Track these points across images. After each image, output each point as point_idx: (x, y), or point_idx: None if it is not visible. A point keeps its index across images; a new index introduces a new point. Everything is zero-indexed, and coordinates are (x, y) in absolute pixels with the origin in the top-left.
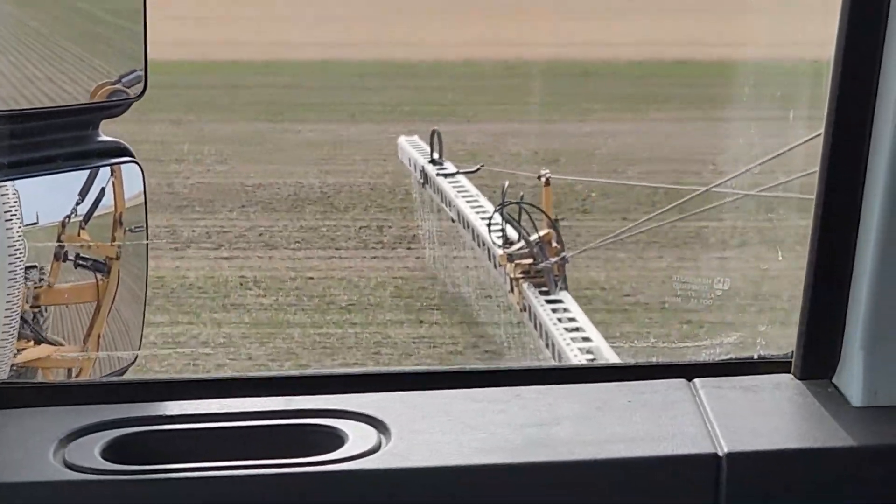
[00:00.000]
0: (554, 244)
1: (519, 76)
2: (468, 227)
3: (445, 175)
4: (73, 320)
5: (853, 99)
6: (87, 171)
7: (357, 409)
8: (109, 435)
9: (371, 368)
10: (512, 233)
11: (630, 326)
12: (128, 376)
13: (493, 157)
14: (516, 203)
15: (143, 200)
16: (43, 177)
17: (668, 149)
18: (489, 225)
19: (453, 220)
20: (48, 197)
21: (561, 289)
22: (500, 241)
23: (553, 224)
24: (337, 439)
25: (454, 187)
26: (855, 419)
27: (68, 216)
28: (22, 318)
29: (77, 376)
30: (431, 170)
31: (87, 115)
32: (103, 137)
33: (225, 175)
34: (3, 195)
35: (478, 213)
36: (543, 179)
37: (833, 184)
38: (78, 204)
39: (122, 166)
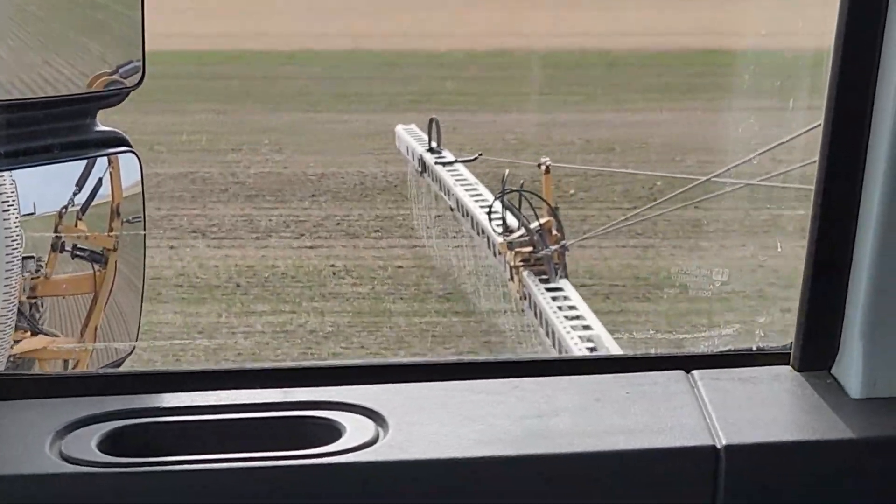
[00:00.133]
0: (554, 232)
1: (548, 66)
2: (467, 215)
3: (444, 164)
4: (71, 312)
5: (853, 88)
6: (85, 162)
7: (355, 402)
8: (106, 427)
9: (369, 360)
10: (512, 221)
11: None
12: (125, 368)
13: (546, 147)
14: (516, 191)
15: (140, 191)
16: (40, 167)
17: (717, 138)
18: (489, 213)
19: (452, 209)
20: (45, 187)
21: (561, 277)
22: (499, 230)
23: (553, 212)
24: (335, 431)
25: (453, 175)
26: (853, 410)
27: (65, 206)
28: (19, 309)
29: (74, 368)
30: (429, 158)
31: (85, 105)
32: (101, 127)
33: (284, 164)
34: (0, 185)
35: (477, 201)
36: (543, 167)
37: (832, 174)
38: (75, 194)
39: (120, 156)
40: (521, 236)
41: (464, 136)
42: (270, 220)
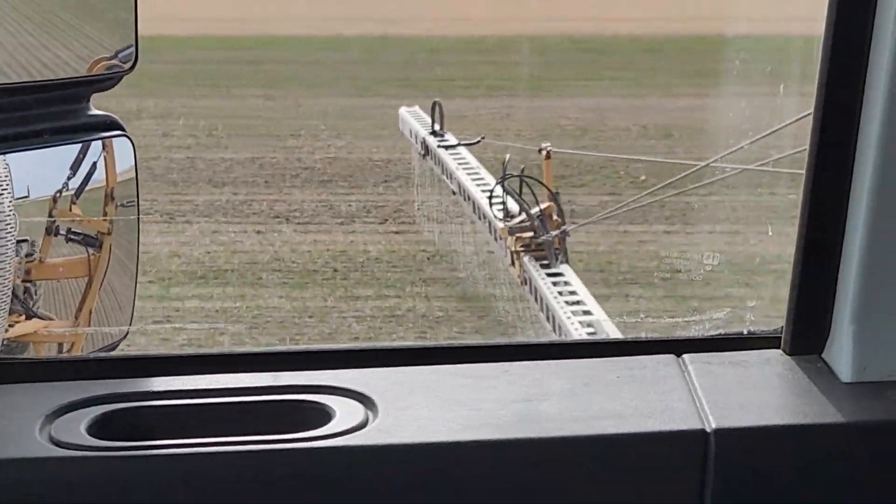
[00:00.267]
0: (555, 217)
1: (586, 51)
2: (469, 199)
3: (447, 147)
4: (65, 295)
5: (843, 75)
6: (79, 146)
7: (345, 385)
8: (96, 411)
9: (359, 344)
10: (513, 206)
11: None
12: (115, 352)
13: (604, 133)
14: (517, 176)
15: (134, 175)
16: (34, 151)
17: (772, 123)
18: (490, 198)
19: (454, 193)
20: (40, 171)
21: (561, 262)
22: (500, 215)
23: (554, 197)
24: (324, 415)
25: (455, 159)
26: (844, 394)
27: (59, 190)
28: (13, 293)
29: (69, 351)
30: (432, 141)
31: (79, 89)
32: (94, 111)
33: (347, 150)
34: None
35: (478, 185)
36: (544, 153)
37: (823, 159)
38: (69, 178)
39: (114, 141)
40: (522, 221)
41: (518, 122)
42: (350, 205)
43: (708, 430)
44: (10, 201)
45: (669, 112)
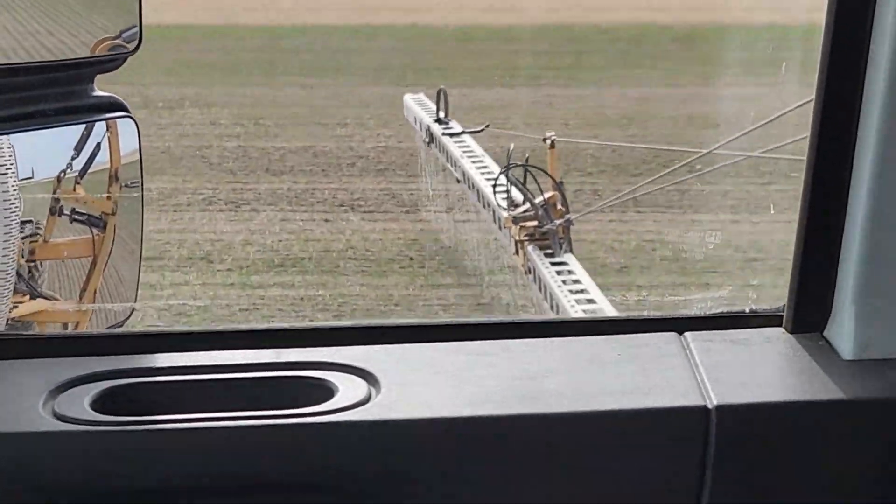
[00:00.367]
0: (559, 206)
1: (616, 41)
2: (473, 187)
3: (451, 135)
4: (70, 276)
5: (845, 58)
6: (83, 127)
7: (347, 362)
8: (99, 386)
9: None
10: (517, 195)
11: None
12: (119, 329)
13: (651, 122)
14: (521, 165)
15: (138, 156)
16: (38, 132)
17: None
18: (494, 187)
19: (458, 181)
20: (44, 152)
21: (565, 251)
22: (505, 204)
23: (558, 186)
24: (326, 391)
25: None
26: (845, 372)
27: (64, 171)
28: (18, 273)
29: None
30: (437, 129)
31: (83, 70)
32: (98, 92)
33: (397, 139)
34: None
35: (483, 173)
36: (549, 142)
37: (825, 139)
38: (73, 159)
39: (118, 122)
40: (526, 211)
41: (563, 110)
42: (411, 193)
43: (709, 406)
44: (15, 182)
45: (714, 102)
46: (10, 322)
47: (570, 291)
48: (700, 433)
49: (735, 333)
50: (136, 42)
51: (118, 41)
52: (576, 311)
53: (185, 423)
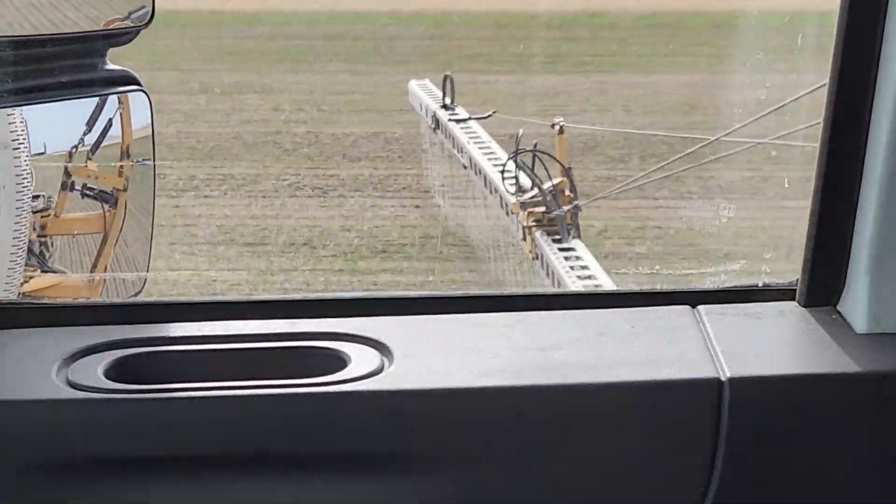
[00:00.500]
0: (567, 192)
1: (656, 27)
2: (480, 173)
3: (458, 121)
4: (81, 252)
5: (860, 34)
6: (95, 102)
7: (360, 333)
8: (113, 355)
9: (374, 293)
10: (525, 181)
11: None
12: (133, 298)
13: (703, 111)
14: (530, 151)
15: (150, 132)
16: (50, 105)
17: None
18: (502, 173)
19: (465, 167)
20: (56, 127)
21: (573, 237)
22: (512, 189)
23: (566, 172)
24: (340, 361)
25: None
26: (858, 345)
27: (75, 146)
28: (29, 247)
29: None
30: (443, 115)
31: (95, 43)
32: (110, 66)
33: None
34: (11, 123)
35: (490, 159)
36: (557, 128)
37: (840, 111)
38: (85, 134)
39: (130, 97)
40: (534, 196)
41: (617, 98)
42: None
43: (723, 378)
44: (27, 156)
45: (781, 88)
46: (20, 296)
47: (578, 278)
48: (713, 405)
49: (748, 307)
50: (147, 18)
51: (128, 21)
52: None
53: (198, 392)
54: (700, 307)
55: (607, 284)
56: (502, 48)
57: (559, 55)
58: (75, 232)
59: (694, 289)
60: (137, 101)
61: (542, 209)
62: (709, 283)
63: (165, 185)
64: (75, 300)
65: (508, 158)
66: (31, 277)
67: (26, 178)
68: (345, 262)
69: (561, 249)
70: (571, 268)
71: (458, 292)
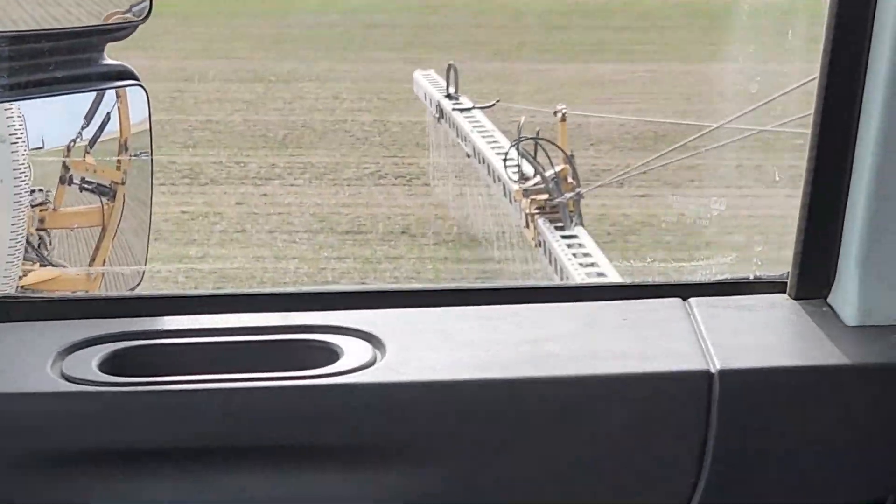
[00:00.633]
0: (569, 180)
1: (695, 16)
2: (483, 161)
3: (461, 110)
4: (79, 245)
5: (850, 25)
6: (93, 96)
7: (353, 326)
8: (108, 348)
9: (368, 286)
10: (528, 168)
11: None
12: (128, 292)
13: (780, 99)
14: (532, 139)
15: (147, 126)
16: (48, 101)
17: None
18: (505, 160)
19: (469, 156)
20: (54, 122)
21: (576, 224)
22: (515, 177)
23: (569, 159)
24: (332, 354)
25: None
26: (848, 338)
27: (74, 140)
28: (28, 241)
29: None
30: (447, 104)
31: (92, 38)
32: (108, 61)
33: (531, 114)
34: (9, 117)
35: (493, 148)
36: (559, 115)
37: (830, 102)
38: (83, 128)
39: (128, 92)
40: (537, 184)
41: (672, 87)
42: (592, 167)
43: (712, 370)
44: (25, 151)
45: (793, 77)
46: (19, 290)
47: (581, 265)
48: (703, 397)
49: (739, 300)
50: (146, 13)
51: (128, 15)
52: None
53: (191, 385)
54: (691, 300)
55: (610, 272)
56: (545, 38)
57: (604, 43)
58: (74, 225)
59: (685, 281)
60: (134, 96)
61: (545, 196)
62: (700, 276)
63: (248, 173)
64: (69, 294)
65: (511, 146)
66: (30, 271)
67: (24, 173)
68: (448, 251)
69: (564, 237)
70: (574, 255)
71: (451, 285)
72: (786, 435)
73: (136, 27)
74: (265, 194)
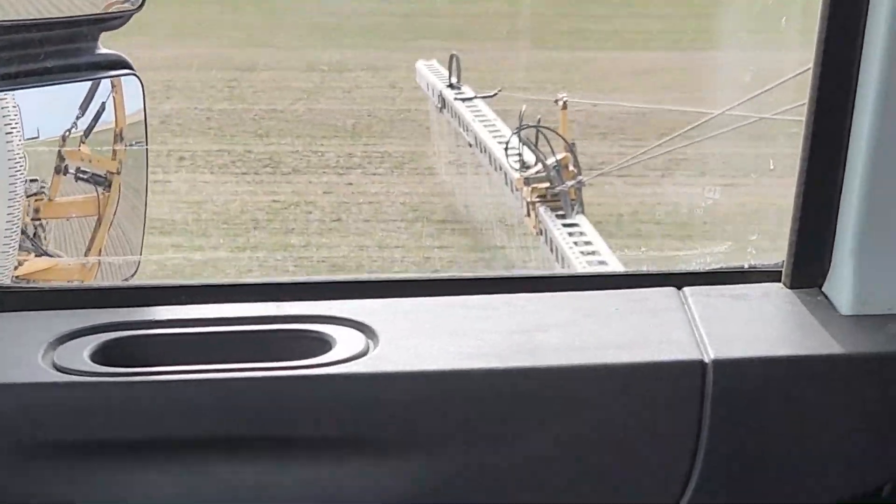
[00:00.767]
0: (570, 168)
1: (729, 4)
2: (485, 151)
3: (463, 99)
4: (75, 235)
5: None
6: (88, 86)
7: (346, 315)
8: (99, 338)
9: (361, 276)
10: (529, 157)
11: None
12: (120, 282)
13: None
14: (533, 127)
15: (143, 116)
16: (43, 90)
17: None
18: (506, 149)
19: (470, 145)
20: (50, 112)
21: (577, 212)
22: (517, 166)
23: (570, 148)
24: (325, 344)
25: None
26: (843, 327)
27: (69, 130)
28: (23, 231)
29: None
30: (449, 94)
31: (86, 27)
32: (103, 50)
33: (578, 106)
34: (3, 108)
35: (495, 137)
36: (560, 103)
37: (824, 90)
38: (78, 118)
39: (123, 82)
40: (538, 172)
41: (718, 77)
42: (655, 158)
43: (706, 360)
44: (20, 140)
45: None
46: (14, 280)
47: (582, 253)
48: (697, 387)
49: (734, 289)
50: (140, 1)
51: (128, 3)
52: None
53: (183, 375)
54: (685, 289)
55: (611, 261)
56: (589, 24)
57: (649, 31)
58: (70, 215)
59: (680, 270)
60: (129, 85)
61: (546, 185)
62: (695, 265)
63: (327, 162)
64: (61, 283)
65: (513, 134)
66: (25, 261)
67: (19, 163)
68: (532, 241)
69: (565, 225)
70: (575, 243)
71: (444, 275)
72: (780, 424)
73: (130, 16)
74: (350, 183)
